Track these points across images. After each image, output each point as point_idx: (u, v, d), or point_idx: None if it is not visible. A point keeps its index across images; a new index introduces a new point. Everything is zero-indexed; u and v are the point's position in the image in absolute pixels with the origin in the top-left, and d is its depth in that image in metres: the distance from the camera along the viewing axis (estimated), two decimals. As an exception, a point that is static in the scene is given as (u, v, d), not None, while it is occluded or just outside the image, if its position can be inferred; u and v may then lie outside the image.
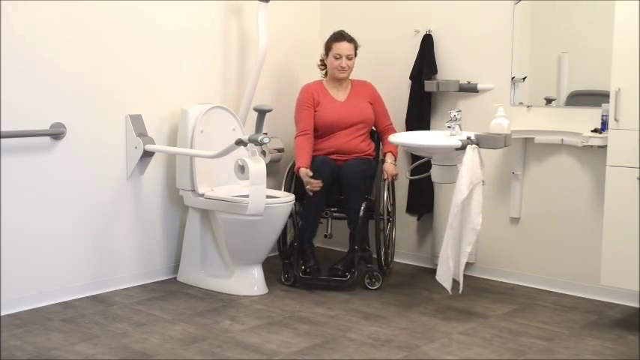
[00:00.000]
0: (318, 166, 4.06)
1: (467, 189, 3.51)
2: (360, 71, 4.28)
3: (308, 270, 4.06)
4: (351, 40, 4.23)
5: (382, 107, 4.34)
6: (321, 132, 4.23)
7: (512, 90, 4.13)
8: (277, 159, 4.58)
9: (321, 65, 4.37)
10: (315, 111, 4.21)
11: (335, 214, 4.19)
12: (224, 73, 4.41)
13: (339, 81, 4.26)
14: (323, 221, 4.25)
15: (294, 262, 4.05)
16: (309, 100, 4.23)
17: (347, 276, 4.02)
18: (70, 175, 3.74)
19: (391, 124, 4.33)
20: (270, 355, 3.10)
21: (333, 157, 4.16)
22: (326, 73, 4.33)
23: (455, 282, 3.64)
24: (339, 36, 4.24)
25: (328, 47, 4.24)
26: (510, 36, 4.10)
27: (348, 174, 4.05)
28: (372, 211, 4.10)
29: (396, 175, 4.19)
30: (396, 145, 4.16)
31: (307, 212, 4.13)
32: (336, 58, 4.19)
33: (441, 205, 4.33)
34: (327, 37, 4.27)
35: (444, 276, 3.60)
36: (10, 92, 3.47)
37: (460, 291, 3.66)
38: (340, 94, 4.28)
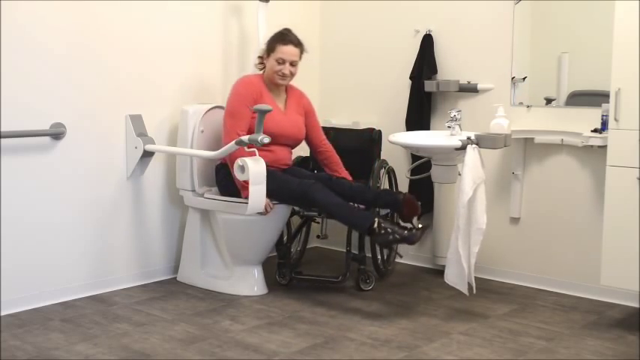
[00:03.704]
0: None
1: (471, 189, 3.51)
2: (360, 71, 4.28)
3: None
4: (298, 43, 3.78)
5: (317, 119, 4.00)
6: None
7: (512, 90, 4.13)
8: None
9: (260, 64, 3.90)
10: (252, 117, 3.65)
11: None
12: (224, 73, 4.41)
13: (277, 85, 3.86)
14: (318, 219, 4.17)
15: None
16: (252, 96, 3.69)
17: (339, 277, 3.89)
18: (70, 175, 3.74)
19: (326, 138, 4.03)
20: (270, 355, 3.10)
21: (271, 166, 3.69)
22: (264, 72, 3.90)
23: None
24: (285, 38, 3.75)
25: (271, 48, 3.78)
26: (510, 36, 4.09)
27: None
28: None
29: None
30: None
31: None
32: (279, 63, 3.74)
33: (441, 205, 4.32)
34: (272, 34, 3.85)
35: (457, 278, 3.58)
36: (10, 92, 3.47)
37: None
38: (280, 101, 3.87)
